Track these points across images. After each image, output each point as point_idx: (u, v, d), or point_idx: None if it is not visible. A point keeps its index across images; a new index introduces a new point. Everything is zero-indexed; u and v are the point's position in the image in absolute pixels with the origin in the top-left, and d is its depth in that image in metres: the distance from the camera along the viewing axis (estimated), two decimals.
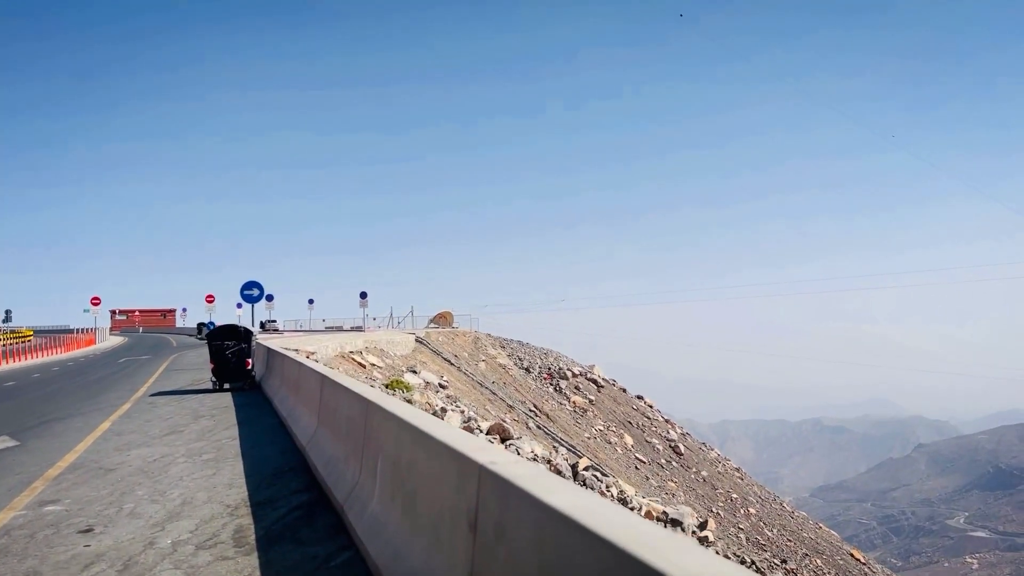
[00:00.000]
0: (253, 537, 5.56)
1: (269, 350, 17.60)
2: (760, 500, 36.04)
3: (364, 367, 24.25)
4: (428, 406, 16.79)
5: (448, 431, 4.04)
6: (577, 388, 43.03)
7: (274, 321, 68.03)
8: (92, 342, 52.96)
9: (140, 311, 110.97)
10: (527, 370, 45.22)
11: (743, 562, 21.47)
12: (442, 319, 60.40)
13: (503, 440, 15.71)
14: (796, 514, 37.61)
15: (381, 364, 26.66)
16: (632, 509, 16.10)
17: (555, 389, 42.28)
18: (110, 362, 32.50)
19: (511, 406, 32.16)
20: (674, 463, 36.52)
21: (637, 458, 34.73)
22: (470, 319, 59.60)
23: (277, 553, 5.18)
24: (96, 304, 54.54)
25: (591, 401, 41.44)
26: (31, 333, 60.30)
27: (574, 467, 17.50)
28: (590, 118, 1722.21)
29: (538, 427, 30.28)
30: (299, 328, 70.07)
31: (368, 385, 10.62)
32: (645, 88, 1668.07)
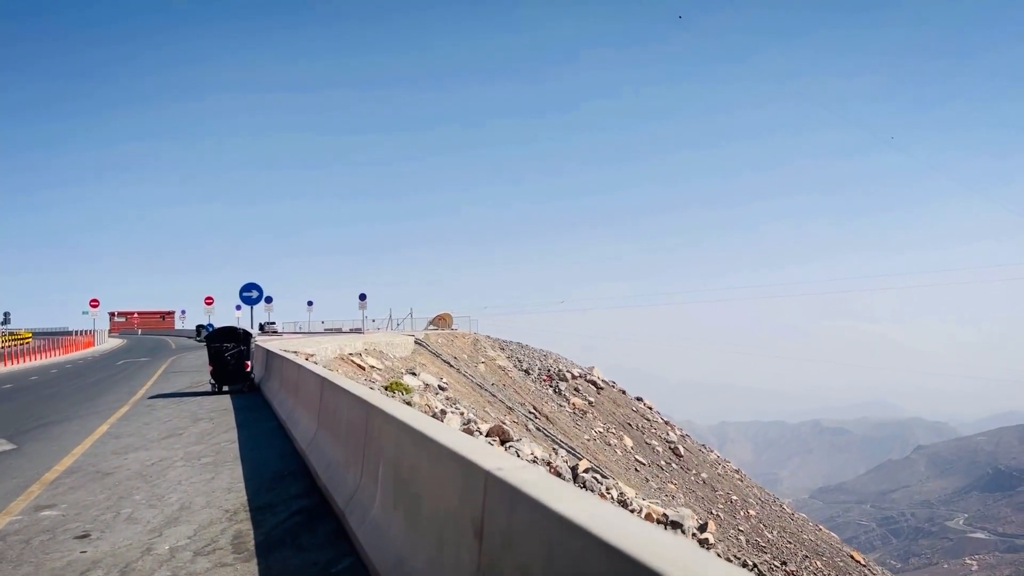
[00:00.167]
0: (252, 543, 5.47)
1: (268, 352, 17.51)
2: (760, 502, 35.94)
3: (363, 369, 24.16)
4: (428, 408, 16.70)
5: (452, 435, 3.95)
6: (577, 390, 42.93)
7: (273, 323, 68.02)
8: (91, 344, 52.92)
9: (139, 313, 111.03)
10: (526, 372, 45.14)
11: (744, 564, 21.39)
12: (441, 321, 60.33)
13: (503, 442, 15.64)
14: (796, 516, 37.50)
15: (380, 366, 26.57)
16: (633, 511, 16.02)
17: (554, 391, 42.18)
18: (108, 364, 32.40)
19: (510, 408, 32.06)
20: (674, 465, 36.41)
21: (637, 460, 34.62)
22: (469, 321, 59.53)
23: (277, 559, 5.09)
24: (95, 306, 54.42)
25: (591, 403, 41.34)
26: (30, 335, 60.08)
27: (574, 469, 17.42)
28: (590, 118, 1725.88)
29: (538, 429, 30.19)
30: (298, 330, 70.03)
31: (368, 387, 10.53)
32: (645, 88, 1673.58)
